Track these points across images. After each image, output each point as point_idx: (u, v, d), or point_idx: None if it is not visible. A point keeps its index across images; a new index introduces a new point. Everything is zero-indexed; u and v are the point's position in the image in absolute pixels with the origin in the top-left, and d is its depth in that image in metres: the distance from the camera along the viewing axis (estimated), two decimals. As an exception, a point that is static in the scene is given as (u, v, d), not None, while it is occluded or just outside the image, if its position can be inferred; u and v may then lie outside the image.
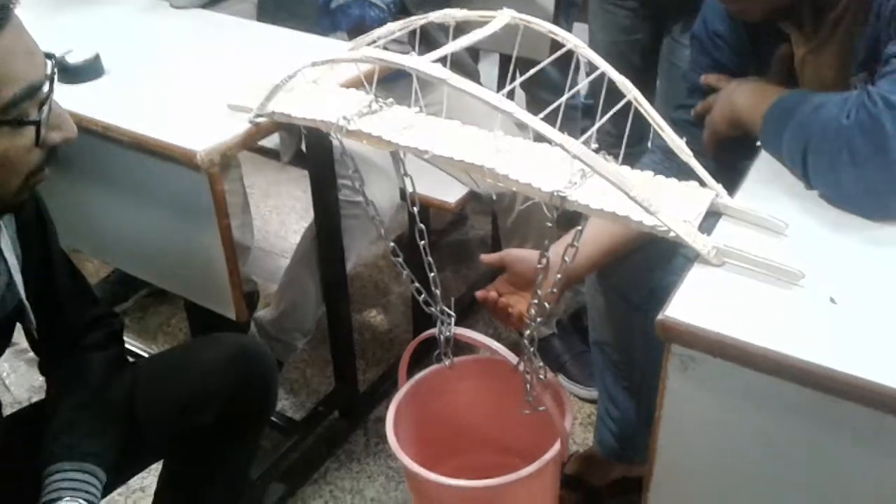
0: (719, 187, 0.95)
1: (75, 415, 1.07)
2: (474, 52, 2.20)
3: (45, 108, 0.81)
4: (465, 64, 1.83)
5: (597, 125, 0.93)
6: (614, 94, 0.99)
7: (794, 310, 0.80)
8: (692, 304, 0.80)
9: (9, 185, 0.83)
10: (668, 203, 0.86)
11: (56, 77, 0.84)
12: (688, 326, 0.77)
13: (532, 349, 1.09)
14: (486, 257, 1.29)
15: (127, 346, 1.87)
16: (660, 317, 0.78)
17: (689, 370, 0.79)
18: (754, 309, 0.80)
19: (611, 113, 0.95)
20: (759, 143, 1.26)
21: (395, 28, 1.09)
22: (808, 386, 0.73)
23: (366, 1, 1.72)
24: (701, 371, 0.78)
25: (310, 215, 1.58)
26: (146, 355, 1.92)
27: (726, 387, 0.78)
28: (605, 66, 1.00)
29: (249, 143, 1.18)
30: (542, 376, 1.13)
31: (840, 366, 0.71)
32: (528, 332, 1.06)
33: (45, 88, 0.82)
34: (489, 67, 2.22)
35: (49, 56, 0.83)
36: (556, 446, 1.17)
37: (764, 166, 1.04)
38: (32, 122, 0.80)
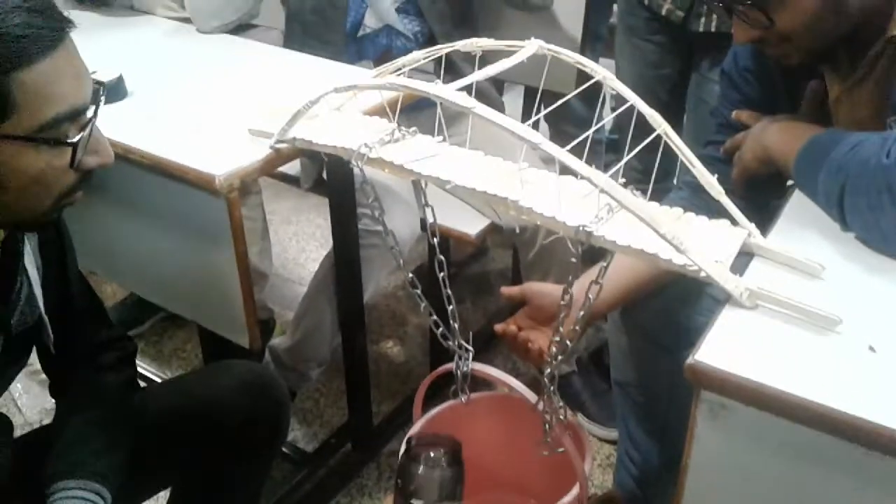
0: (752, 226, 0.92)
1: (82, 433, 1.05)
2: (499, 83, 2.18)
3: (86, 132, 0.82)
4: (489, 95, 1.81)
5: (626, 158, 0.91)
6: (641, 128, 0.96)
7: (832, 358, 0.76)
8: (724, 348, 0.76)
9: (41, 203, 0.84)
10: (699, 241, 0.83)
11: (101, 104, 0.84)
12: (719, 372, 0.73)
13: (552, 388, 1.05)
14: (507, 290, 1.26)
15: (141, 370, 1.88)
16: (689, 361, 0.75)
17: (720, 418, 0.75)
18: (789, 355, 0.76)
19: (640, 147, 0.93)
20: (789, 182, 1.23)
21: (420, 56, 1.08)
22: (850, 440, 0.69)
23: (393, 30, 1.72)
24: (732, 419, 0.74)
25: (330, 243, 1.56)
26: (159, 380, 1.92)
27: (759, 437, 0.74)
28: (634, 99, 0.97)
29: (270, 168, 1.16)
30: (561, 417, 1.09)
31: (884, 419, 0.67)
32: (548, 370, 1.03)
33: (89, 113, 0.82)
34: (513, 99, 2.21)
35: (98, 83, 0.84)
36: (575, 490, 1.12)
37: (797, 206, 1.01)
38: (69, 144, 0.81)
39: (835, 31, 1.02)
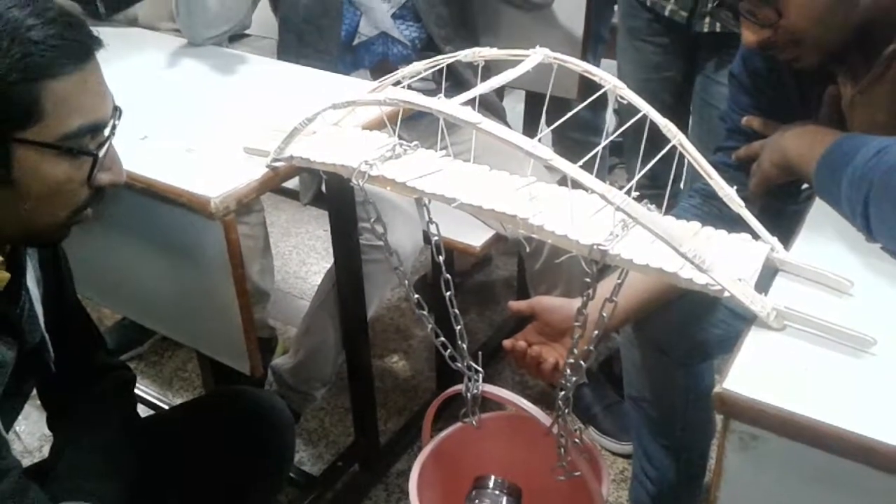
0: (774, 240, 0.87)
1: (81, 460, 1.04)
2: (499, 88, 2.15)
3: (104, 148, 0.85)
4: (491, 102, 1.77)
5: (640, 173, 0.86)
6: (648, 132, 0.92)
7: (867, 382, 0.71)
8: (753, 374, 0.72)
9: (56, 215, 0.86)
10: (720, 258, 0.79)
11: (117, 125, 0.87)
12: (750, 401, 0.69)
13: (566, 410, 1.01)
14: (515, 305, 1.22)
15: (141, 393, 1.84)
16: (717, 389, 0.70)
17: (751, 449, 0.71)
18: (822, 380, 0.71)
19: (655, 160, 0.88)
20: (804, 187, 1.19)
21: (421, 67, 1.03)
22: (888, 471, 0.64)
23: (389, 37, 1.68)
24: (764, 450, 0.70)
25: (331, 255, 1.53)
26: (160, 403, 1.88)
27: (793, 469, 0.70)
28: (647, 108, 0.93)
29: (267, 188, 1.12)
30: (576, 440, 1.05)
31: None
32: (562, 392, 0.98)
33: (107, 131, 0.85)
34: (514, 103, 2.17)
35: (116, 107, 0.87)
36: (593, 515, 1.08)
37: (819, 215, 0.96)
38: (90, 154, 0.83)
39: (846, 26, 0.98)
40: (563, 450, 1.06)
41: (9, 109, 0.76)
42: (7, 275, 0.88)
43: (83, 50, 0.81)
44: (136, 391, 1.20)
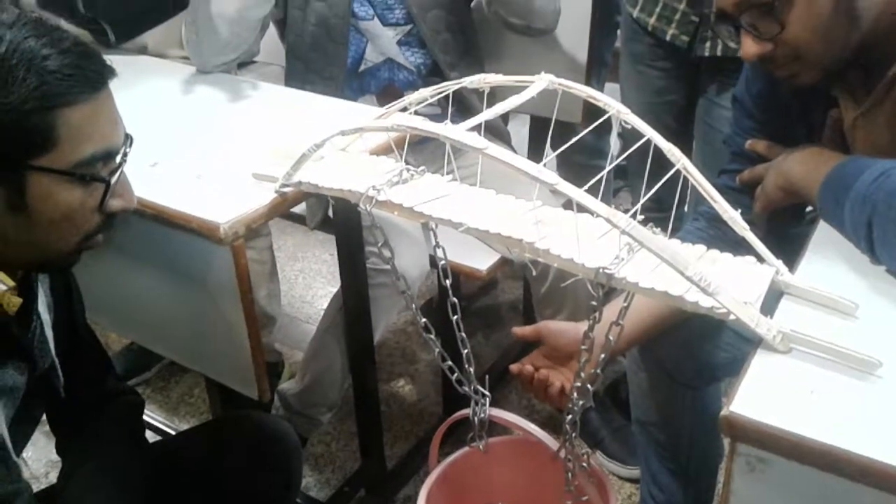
0: (779, 263, 0.88)
1: (88, 484, 1.04)
2: (504, 113, 2.16)
3: (116, 175, 0.86)
4: (496, 127, 1.79)
5: (645, 197, 0.87)
6: (653, 156, 0.93)
7: (874, 404, 0.72)
8: (759, 397, 0.72)
9: (67, 241, 0.87)
10: (726, 281, 0.79)
11: (129, 152, 0.89)
12: (757, 424, 0.69)
13: (574, 434, 1.01)
14: (520, 331, 1.22)
15: (148, 418, 1.84)
16: (724, 412, 0.71)
17: (758, 472, 0.71)
18: (829, 403, 0.72)
19: (660, 183, 0.89)
20: (808, 209, 1.20)
21: (428, 94, 1.05)
22: (898, 494, 0.64)
23: (395, 63, 1.70)
24: (771, 474, 0.70)
25: (337, 280, 1.53)
26: (167, 428, 1.88)
27: (800, 492, 0.70)
28: (651, 133, 0.94)
29: (275, 214, 1.13)
30: (584, 464, 1.05)
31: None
32: (569, 416, 0.99)
33: (118, 158, 0.87)
34: (519, 128, 2.19)
35: (128, 135, 0.89)
36: (601, 540, 1.08)
37: (823, 237, 0.97)
38: (102, 180, 0.85)
39: (846, 44, 0.98)
40: (570, 474, 1.06)
41: (24, 137, 0.78)
42: (19, 300, 0.89)
43: (97, 79, 0.83)
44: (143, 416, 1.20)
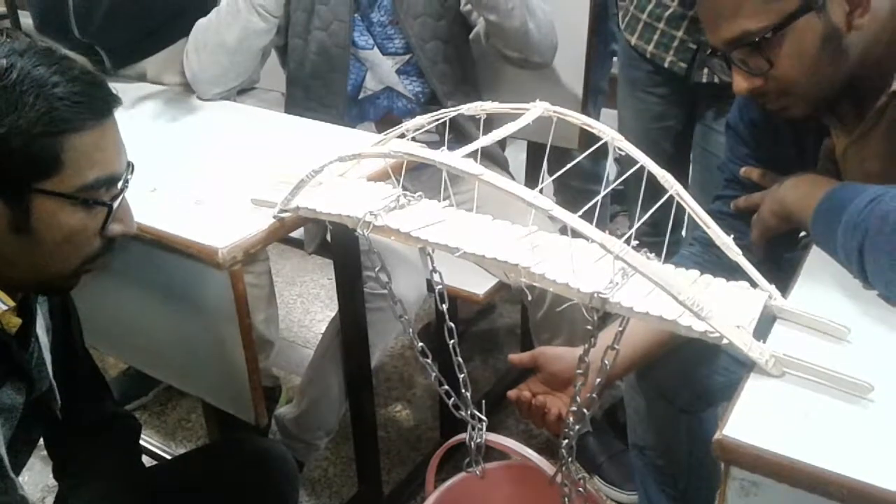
0: (772, 288, 0.89)
1: None
2: (501, 139, 2.18)
3: (117, 200, 0.89)
4: (493, 153, 1.80)
5: (637, 223, 0.88)
6: (649, 182, 0.94)
7: (866, 428, 0.72)
8: (752, 420, 0.72)
9: (68, 264, 0.89)
10: (719, 306, 0.80)
11: (130, 179, 0.91)
12: (750, 448, 0.69)
13: (570, 459, 1.01)
14: (517, 357, 1.22)
15: (144, 443, 1.83)
16: (717, 436, 0.71)
17: (752, 496, 0.71)
18: (821, 427, 0.72)
19: (654, 209, 0.90)
20: (801, 235, 1.21)
21: (425, 121, 1.06)
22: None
23: (394, 91, 1.72)
24: (765, 498, 0.70)
25: (335, 304, 1.54)
26: (163, 453, 1.87)
27: (794, 515, 0.70)
28: (644, 160, 0.95)
29: (273, 239, 1.14)
30: (581, 489, 1.05)
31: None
32: (565, 441, 0.99)
33: (120, 184, 0.89)
34: (517, 153, 2.20)
35: (129, 163, 0.91)
36: (598, 565, 1.07)
37: (816, 262, 0.98)
38: (105, 204, 0.87)
39: (835, 78, 1.00)
40: (567, 499, 1.06)
41: (32, 160, 0.80)
42: (18, 320, 0.90)
43: (104, 107, 0.85)
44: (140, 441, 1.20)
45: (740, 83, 1.03)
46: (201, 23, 1.60)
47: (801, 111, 1.05)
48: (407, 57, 1.69)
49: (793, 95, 1.02)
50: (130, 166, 0.91)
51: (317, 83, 1.70)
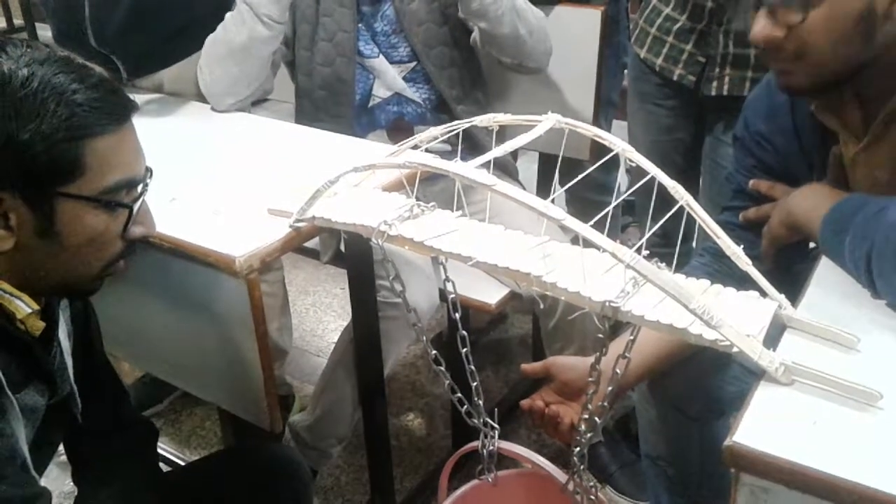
0: (782, 297, 0.89)
1: None
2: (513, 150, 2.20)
3: (138, 202, 0.92)
4: (505, 163, 1.82)
5: (648, 233, 0.89)
6: (660, 193, 0.95)
7: (875, 435, 0.73)
8: (762, 428, 0.73)
9: (92, 266, 0.91)
10: (729, 315, 0.81)
11: (149, 183, 0.94)
12: (760, 454, 0.70)
13: (582, 466, 1.02)
14: (529, 367, 1.23)
15: (160, 450, 1.84)
16: (728, 443, 0.72)
17: (762, 502, 0.72)
18: (831, 434, 0.73)
19: (664, 220, 0.91)
20: (811, 246, 1.22)
21: (438, 132, 1.08)
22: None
23: (403, 97, 1.74)
24: None
25: (347, 313, 1.55)
26: (178, 460, 1.89)
27: (804, 522, 0.71)
28: (655, 171, 0.96)
29: (289, 248, 1.15)
30: (592, 497, 1.06)
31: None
32: (577, 448, 1.00)
33: (140, 188, 0.92)
34: (528, 164, 2.22)
35: (148, 168, 0.94)
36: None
37: (825, 272, 0.99)
38: (126, 206, 0.89)
39: (851, 60, 0.99)
40: (578, 506, 1.07)
41: (55, 165, 0.83)
42: (42, 323, 0.93)
43: (122, 112, 0.88)
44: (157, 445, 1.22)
45: (762, 29, 1.01)
46: (210, 38, 1.64)
47: (801, 82, 1.03)
48: (412, 65, 1.72)
49: (804, 61, 1.01)
50: (149, 171, 0.94)
51: (325, 94, 1.72)
